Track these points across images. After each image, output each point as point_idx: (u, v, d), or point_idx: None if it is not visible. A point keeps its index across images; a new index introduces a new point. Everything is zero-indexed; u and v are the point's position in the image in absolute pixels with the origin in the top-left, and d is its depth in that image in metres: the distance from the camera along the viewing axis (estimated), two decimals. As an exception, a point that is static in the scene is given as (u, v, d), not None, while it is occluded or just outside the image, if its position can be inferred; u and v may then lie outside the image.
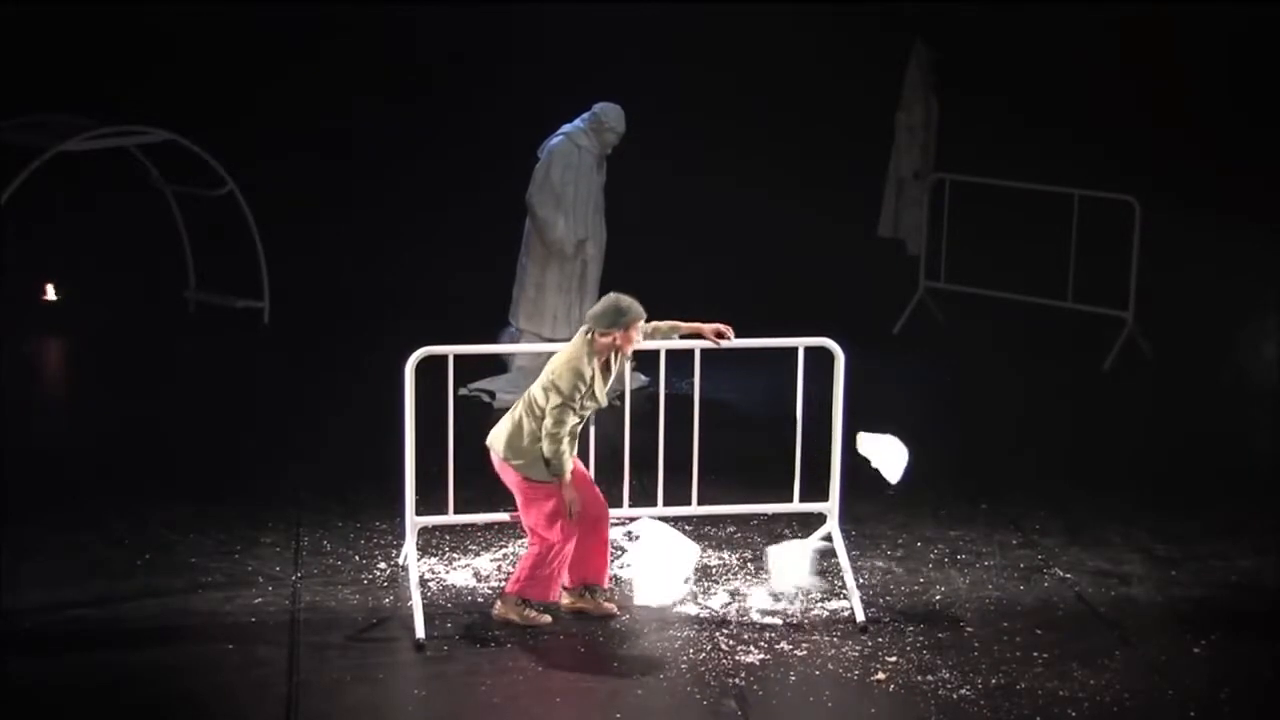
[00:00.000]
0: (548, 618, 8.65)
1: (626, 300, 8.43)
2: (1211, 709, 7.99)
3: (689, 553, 9.32)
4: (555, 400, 8.36)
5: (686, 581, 9.18)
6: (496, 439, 8.58)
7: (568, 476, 8.42)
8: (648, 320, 8.57)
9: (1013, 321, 14.36)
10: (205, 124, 14.55)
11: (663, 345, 8.92)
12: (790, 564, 9.14)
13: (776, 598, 9.01)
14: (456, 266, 15.05)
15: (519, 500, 8.58)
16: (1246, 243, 14.67)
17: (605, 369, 8.50)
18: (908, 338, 14.45)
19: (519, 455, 8.47)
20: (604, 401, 8.53)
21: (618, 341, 8.42)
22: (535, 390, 8.48)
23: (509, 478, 8.57)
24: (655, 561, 9.20)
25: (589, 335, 8.42)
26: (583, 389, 8.36)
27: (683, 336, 8.80)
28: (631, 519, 9.22)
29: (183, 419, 11.90)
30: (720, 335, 8.75)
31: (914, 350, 14.10)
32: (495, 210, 13.69)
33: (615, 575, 9.07)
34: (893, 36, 15.69)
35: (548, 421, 8.37)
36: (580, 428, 8.54)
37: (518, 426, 8.49)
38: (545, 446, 8.39)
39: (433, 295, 14.65)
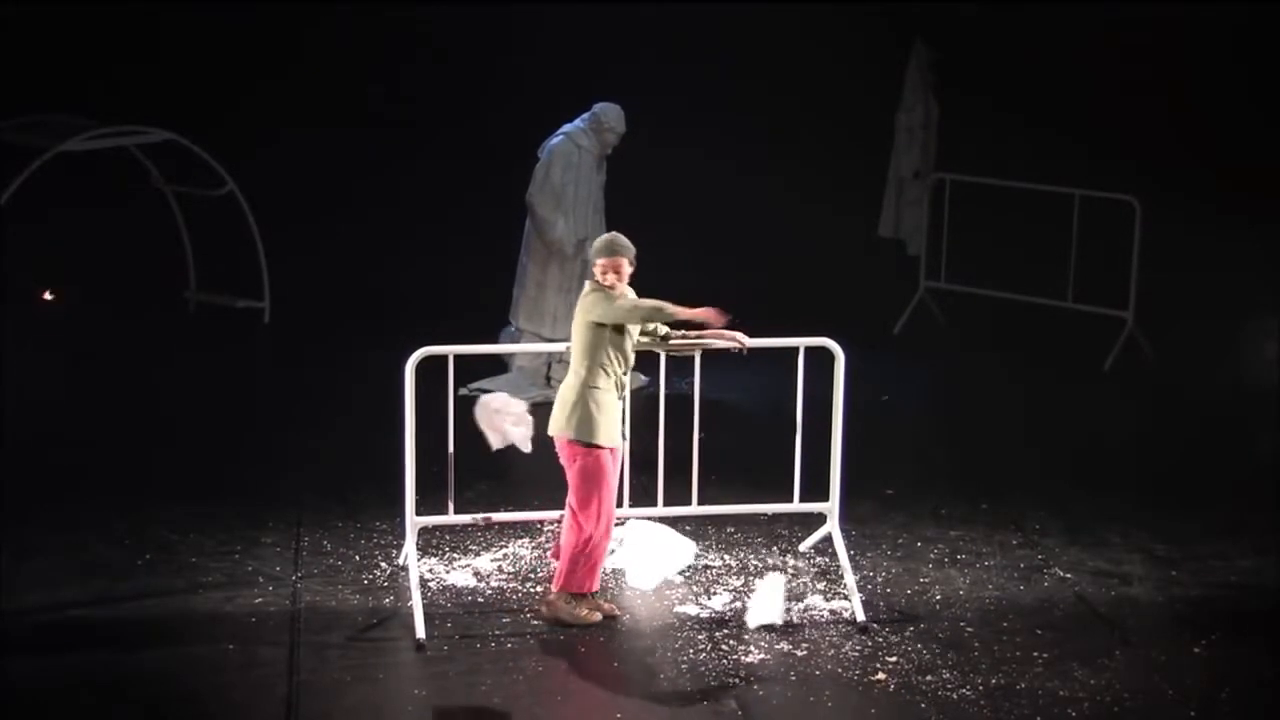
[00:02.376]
0: (598, 615, 8.63)
1: (623, 237, 8.59)
2: (1211, 709, 8.00)
3: (685, 548, 9.34)
4: (618, 310, 8.38)
5: (682, 572, 9.21)
6: (551, 419, 8.57)
7: (673, 307, 8.38)
8: (674, 329, 8.68)
9: (1013, 321, 14.35)
10: (205, 124, 14.55)
11: (682, 347, 8.90)
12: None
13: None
14: (456, 266, 15.05)
15: (572, 478, 8.52)
16: (1246, 243, 14.66)
17: None
18: (908, 338, 14.43)
19: (569, 417, 8.43)
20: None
21: (606, 271, 8.47)
22: (575, 347, 8.47)
23: (564, 454, 8.54)
24: (650, 556, 9.22)
25: (593, 278, 8.54)
26: (615, 295, 8.43)
27: (694, 327, 8.76)
28: (622, 521, 9.19)
29: (183, 419, 11.90)
30: (738, 341, 8.80)
31: (914, 350, 14.09)
32: (495, 210, 13.69)
33: (610, 569, 9.09)
34: (893, 36, 15.69)
35: (635, 310, 8.40)
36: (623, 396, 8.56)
37: (563, 396, 8.50)
38: (657, 313, 8.38)
39: (433, 295, 14.64)
